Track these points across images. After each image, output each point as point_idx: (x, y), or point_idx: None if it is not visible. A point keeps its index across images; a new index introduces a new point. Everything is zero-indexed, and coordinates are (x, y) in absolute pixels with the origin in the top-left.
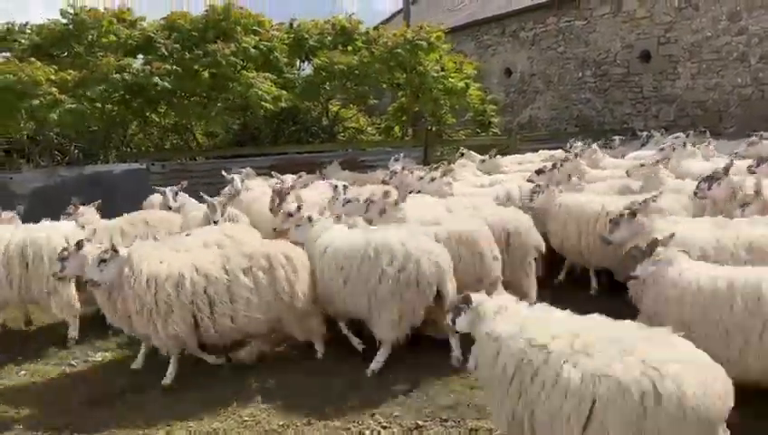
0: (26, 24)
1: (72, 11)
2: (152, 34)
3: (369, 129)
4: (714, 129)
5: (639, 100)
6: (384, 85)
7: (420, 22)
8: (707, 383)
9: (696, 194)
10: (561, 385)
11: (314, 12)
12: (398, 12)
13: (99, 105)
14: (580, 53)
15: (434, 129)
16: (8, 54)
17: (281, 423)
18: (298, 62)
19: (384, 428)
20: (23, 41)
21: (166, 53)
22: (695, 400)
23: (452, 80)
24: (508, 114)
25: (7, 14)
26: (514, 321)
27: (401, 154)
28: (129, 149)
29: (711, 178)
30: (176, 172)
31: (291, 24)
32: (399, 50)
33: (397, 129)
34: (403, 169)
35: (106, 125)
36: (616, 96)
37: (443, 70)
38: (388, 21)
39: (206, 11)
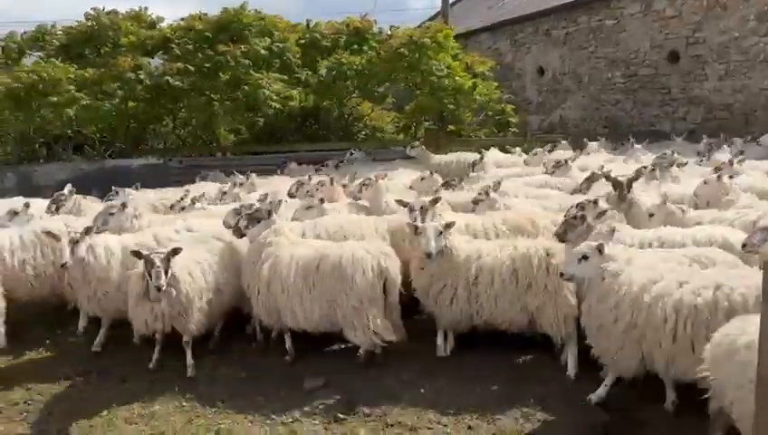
0: (54, 24)
1: (93, 13)
2: (168, 35)
3: (388, 127)
4: (739, 132)
5: (667, 102)
6: (402, 85)
7: (431, 23)
8: None
9: None
10: None
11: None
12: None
13: (117, 102)
14: (610, 53)
15: (449, 128)
16: (40, 54)
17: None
18: (319, 62)
19: None
20: (54, 41)
21: (179, 54)
22: None
23: (458, 79)
24: (540, 113)
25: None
26: None
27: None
28: (163, 145)
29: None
30: (191, 168)
31: (307, 25)
32: (404, 50)
33: (414, 127)
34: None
35: (127, 122)
36: (644, 97)
37: (448, 69)
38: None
39: (220, 13)
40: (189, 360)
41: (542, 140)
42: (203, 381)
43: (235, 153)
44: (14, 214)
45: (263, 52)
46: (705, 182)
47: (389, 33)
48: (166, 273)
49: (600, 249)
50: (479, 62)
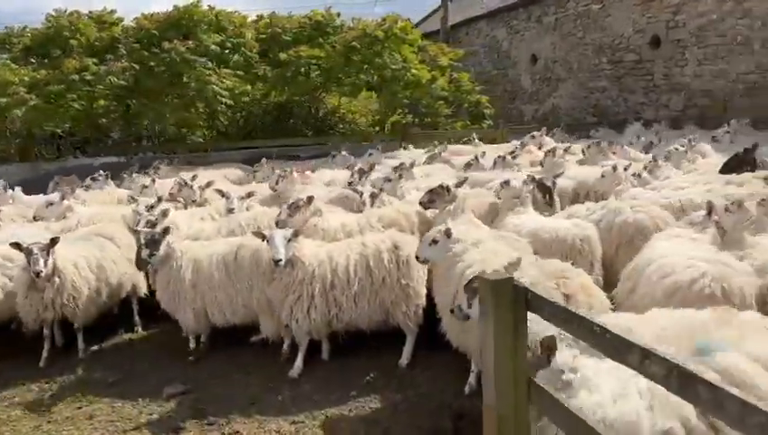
0: (25, 27)
1: (54, 14)
2: (117, 35)
3: (362, 121)
4: (720, 120)
5: (651, 88)
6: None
7: (390, 15)
8: None
9: None
10: None
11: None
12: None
13: (75, 103)
14: (596, 39)
15: (418, 121)
16: (6, 56)
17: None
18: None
19: None
20: (20, 44)
21: (124, 53)
22: None
23: (414, 72)
24: (534, 103)
25: None
26: None
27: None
28: (157, 141)
29: None
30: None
31: (270, 20)
32: (356, 43)
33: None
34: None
35: (94, 121)
36: (629, 84)
37: (404, 63)
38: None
39: (171, 11)
40: (80, 344)
41: (514, 130)
42: (71, 385)
43: (205, 150)
44: None
45: (213, 47)
46: (602, 175)
47: (351, 25)
48: (45, 261)
49: (447, 233)
50: (442, 54)
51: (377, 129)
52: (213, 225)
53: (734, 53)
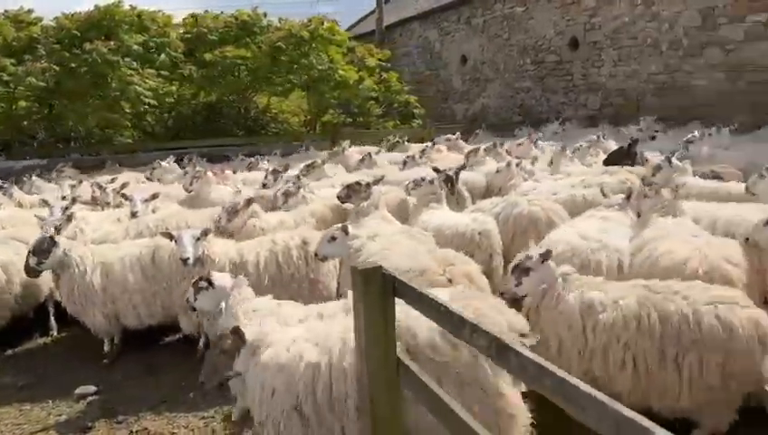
0: None
1: None
2: (36, 35)
3: (293, 120)
4: (633, 118)
5: (570, 88)
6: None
7: (317, 16)
8: None
9: None
10: None
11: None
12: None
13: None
14: (521, 41)
15: (351, 120)
16: None
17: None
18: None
19: None
20: None
21: (44, 53)
22: None
23: (342, 73)
24: (465, 102)
25: None
26: None
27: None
28: (83, 142)
29: None
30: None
31: (196, 19)
32: (281, 44)
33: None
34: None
35: (17, 122)
36: (551, 85)
37: (331, 63)
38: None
39: (92, 11)
40: None
41: (443, 129)
42: None
43: (134, 150)
44: None
45: (135, 47)
46: (497, 171)
47: (278, 25)
48: None
49: (345, 230)
50: (370, 55)
51: (308, 128)
52: (121, 226)
53: (644, 54)
